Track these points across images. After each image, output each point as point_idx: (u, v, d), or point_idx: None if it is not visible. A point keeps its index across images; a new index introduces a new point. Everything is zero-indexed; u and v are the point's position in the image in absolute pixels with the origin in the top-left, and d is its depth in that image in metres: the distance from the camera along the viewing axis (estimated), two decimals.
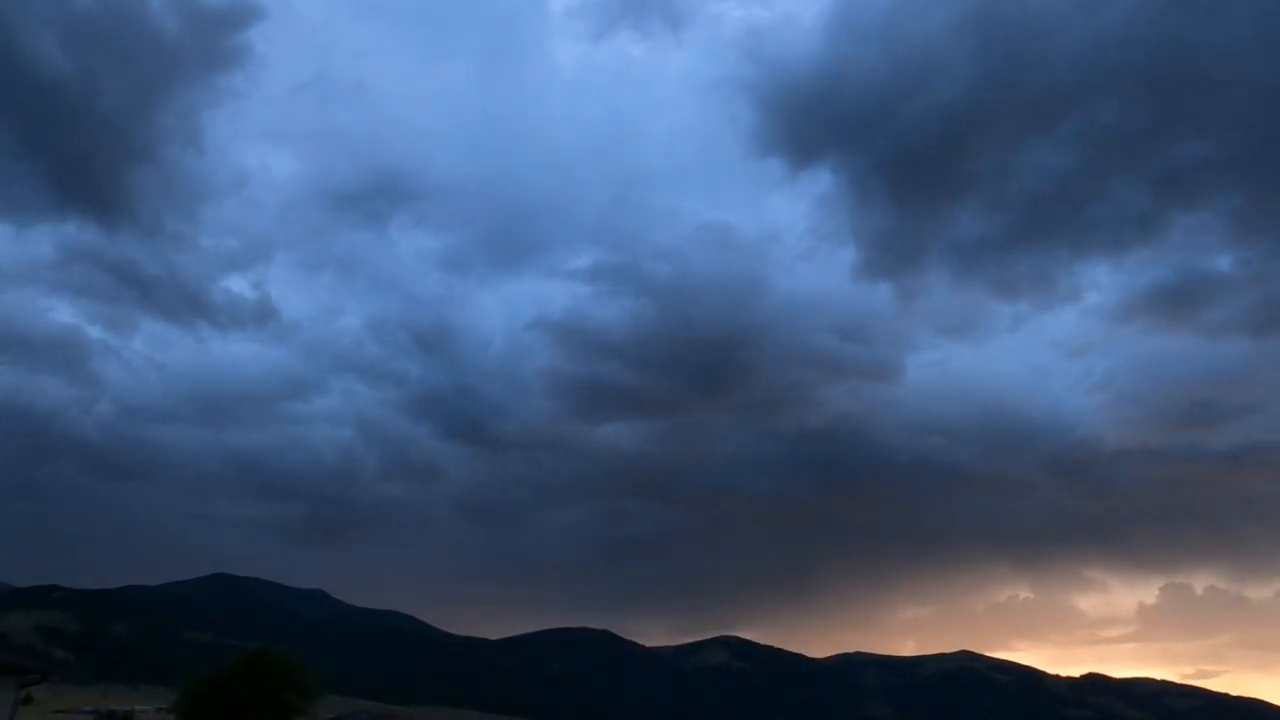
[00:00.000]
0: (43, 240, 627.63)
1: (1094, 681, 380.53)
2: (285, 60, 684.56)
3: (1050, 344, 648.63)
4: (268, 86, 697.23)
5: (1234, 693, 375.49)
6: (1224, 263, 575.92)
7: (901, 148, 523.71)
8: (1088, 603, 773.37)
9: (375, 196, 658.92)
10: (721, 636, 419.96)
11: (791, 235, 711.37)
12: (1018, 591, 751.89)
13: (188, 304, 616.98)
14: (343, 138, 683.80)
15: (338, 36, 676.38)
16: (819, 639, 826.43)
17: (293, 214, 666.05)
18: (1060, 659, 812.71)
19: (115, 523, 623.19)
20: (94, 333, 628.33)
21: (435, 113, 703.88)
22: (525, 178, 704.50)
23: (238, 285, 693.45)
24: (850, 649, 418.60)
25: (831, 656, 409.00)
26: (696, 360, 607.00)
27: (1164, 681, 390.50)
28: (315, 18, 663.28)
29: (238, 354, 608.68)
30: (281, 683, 47.92)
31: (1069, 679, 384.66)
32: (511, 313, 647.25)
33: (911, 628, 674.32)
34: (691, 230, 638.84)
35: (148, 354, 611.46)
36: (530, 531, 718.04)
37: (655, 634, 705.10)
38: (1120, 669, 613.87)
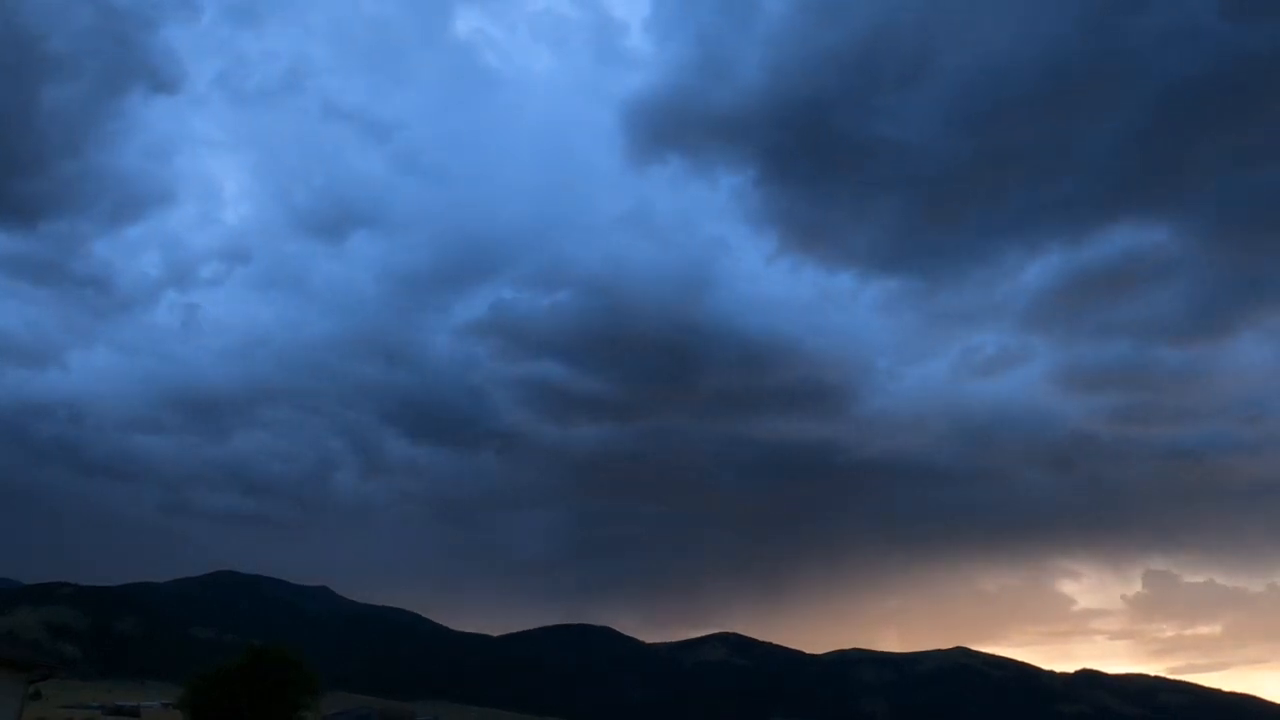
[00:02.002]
0: None
1: (1088, 677, 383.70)
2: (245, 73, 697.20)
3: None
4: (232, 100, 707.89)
5: (1226, 688, 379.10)
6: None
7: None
8: (1071, 594, 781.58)
9: (332, 213, 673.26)
10: (720, 633, 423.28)
11: (728, 239, 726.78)
12: (1005, 583, 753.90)
13: (133, 310, 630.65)
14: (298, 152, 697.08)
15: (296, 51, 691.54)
16: (810, 634, 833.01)
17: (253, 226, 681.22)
18: (1054, 655, 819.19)
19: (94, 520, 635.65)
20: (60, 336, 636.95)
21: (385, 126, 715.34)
22: (477, 194, 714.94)
23: (185, 296, 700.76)
24: (846, 645, 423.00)
25: (829, 653, 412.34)
26: (660, 362, 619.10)
27: (1157, 678, 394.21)
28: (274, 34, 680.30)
29: (199, 363, 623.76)
30: (286, 678, 49.76)
31: (1063, 675, 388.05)
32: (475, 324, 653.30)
33: (895, 622, 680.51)
34: (631, 239, 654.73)
35: (112, 359, 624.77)
36: (505, 530, 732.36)
37: (629, 626, 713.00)
38: (1114, 665, 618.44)
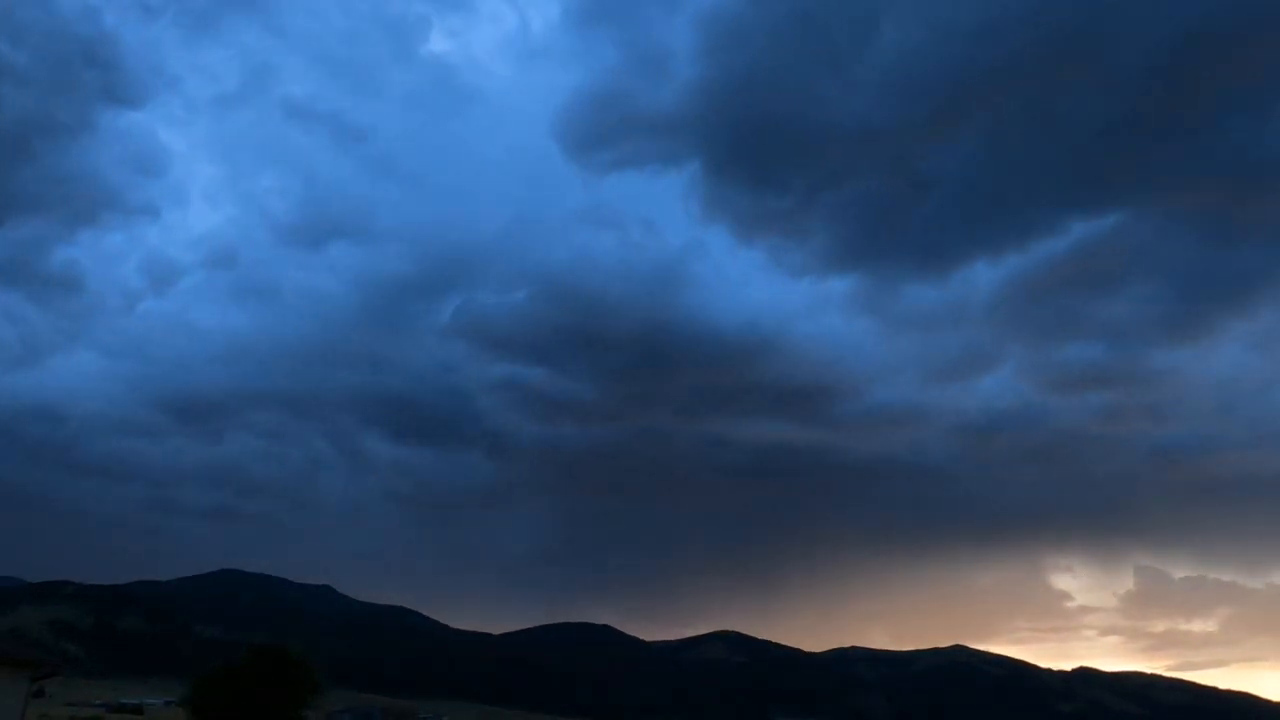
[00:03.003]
0: None
1: (1084, 675, 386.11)
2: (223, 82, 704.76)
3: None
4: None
5: (1223, 686, 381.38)
6: None
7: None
8: (1064, 590, 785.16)
9: (311, 221, 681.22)
10: (719, 631, 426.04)
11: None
12: (1000, 580, 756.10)
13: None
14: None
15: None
16: (804, 632, 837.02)
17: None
18: (1050, 653, 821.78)
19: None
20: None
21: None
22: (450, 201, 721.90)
23: (165, 302, 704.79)
24: (845, 643, 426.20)
25: (828, 650, 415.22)
26: (632, 361, 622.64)
27: (1154, 675, 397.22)
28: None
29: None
30: (289, 677, 50.64)
31: (1060, 672, 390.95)
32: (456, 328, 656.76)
33: (890, 620, 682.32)
34: (589, 242, 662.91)
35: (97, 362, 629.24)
36: (492, 529, 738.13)
37: (625, 624, 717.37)
38: (1111, 663, 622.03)
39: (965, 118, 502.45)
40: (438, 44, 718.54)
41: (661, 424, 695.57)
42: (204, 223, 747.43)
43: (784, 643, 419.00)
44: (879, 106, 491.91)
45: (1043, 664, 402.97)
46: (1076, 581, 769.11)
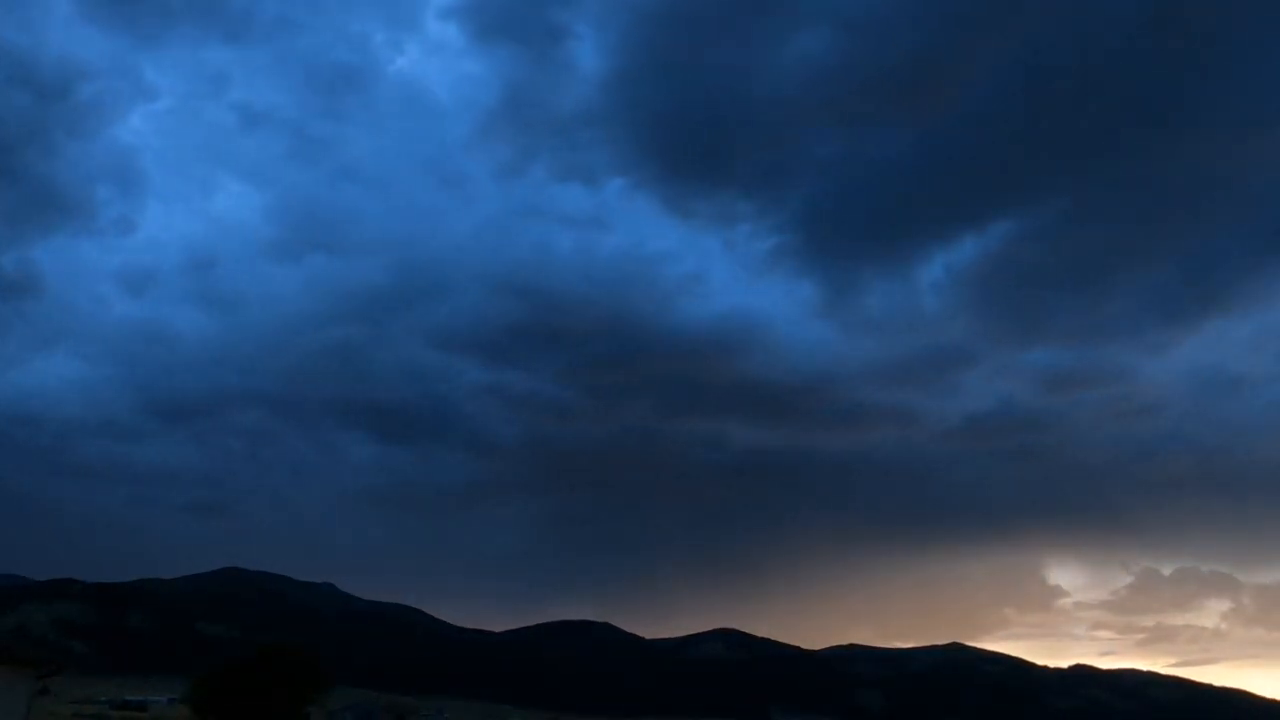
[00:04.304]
0: None
1: (1081, 672, 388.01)
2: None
3: None
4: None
5: (1218, 683, 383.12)
6: None
7: None
8: (1059, 589, 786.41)
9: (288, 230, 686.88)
10: (719, 629, 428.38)
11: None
12: (995, 577, 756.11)
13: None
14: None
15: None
16: (809, 631, 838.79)
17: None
18: (1047, 650, 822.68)
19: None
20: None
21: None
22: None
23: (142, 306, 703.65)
24: (843, 641, 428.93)
25: (826, 648, 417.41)
26: (606, 359, 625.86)
27: (1149, 673, 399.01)
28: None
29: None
30: (294, 675, 52.41)
31: (1057, 670, 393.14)
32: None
33: (886, 619, 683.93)
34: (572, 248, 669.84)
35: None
36: (481, 528, 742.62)
37: (624, 622, 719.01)
38: (1106, 660, 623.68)
39: (929, 87, 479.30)
40: (398, 63, 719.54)
41: (648, 422, 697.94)
42: (177, 230, 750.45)
43: (783, 640, 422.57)
44: (829, 78, 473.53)
45: (1039, 661, 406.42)
46: (1072, 579, 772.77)
